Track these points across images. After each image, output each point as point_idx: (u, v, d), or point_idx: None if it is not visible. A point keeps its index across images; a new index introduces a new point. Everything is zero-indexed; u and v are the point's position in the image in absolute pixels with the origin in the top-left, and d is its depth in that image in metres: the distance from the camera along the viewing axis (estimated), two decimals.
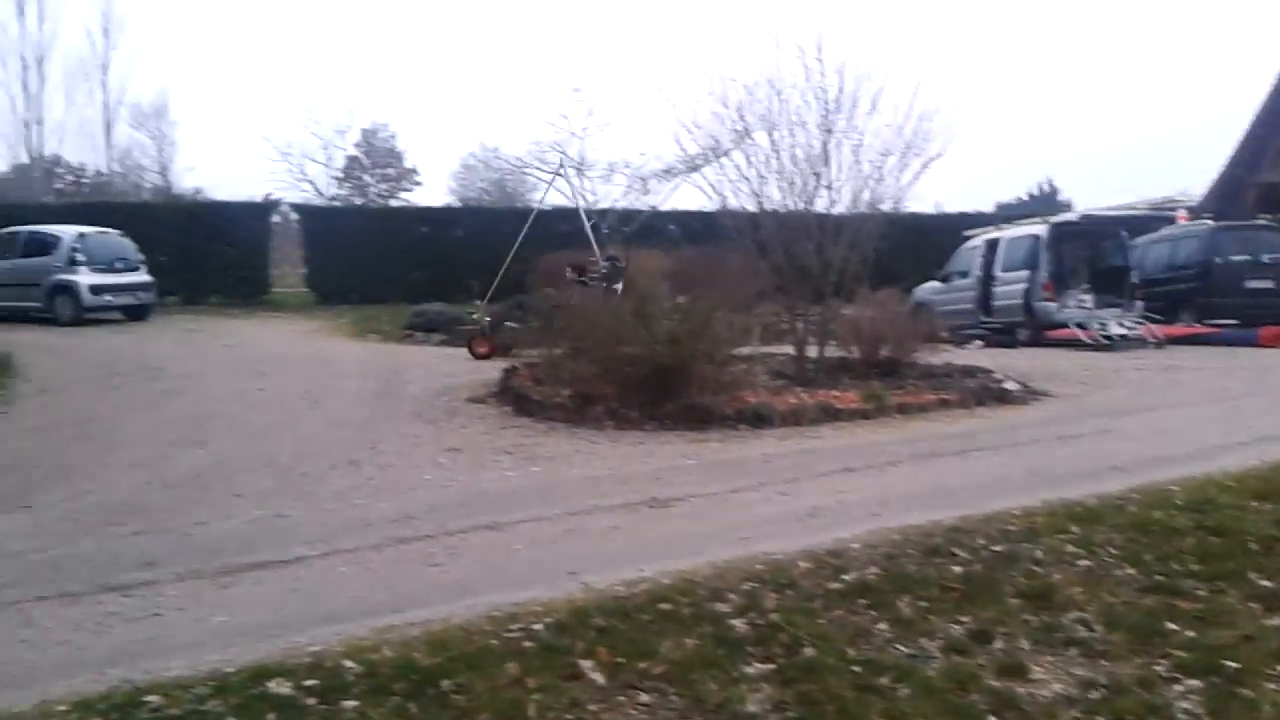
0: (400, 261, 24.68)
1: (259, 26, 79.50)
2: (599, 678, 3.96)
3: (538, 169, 23.41)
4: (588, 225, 16.70)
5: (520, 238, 15.98)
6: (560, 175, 18.65)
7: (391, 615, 4.74)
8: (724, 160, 12.99)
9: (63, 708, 3.64)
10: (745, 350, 11.46)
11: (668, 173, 21.60)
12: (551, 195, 21.83)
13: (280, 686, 3.72)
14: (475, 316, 16.81)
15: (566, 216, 24.68)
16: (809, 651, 4.26)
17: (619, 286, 15.33)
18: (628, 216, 22.32)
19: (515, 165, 25.19)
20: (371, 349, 16.23)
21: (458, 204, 42.26)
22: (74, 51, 57.49)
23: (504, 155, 44.62)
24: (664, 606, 4.73)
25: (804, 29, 16.74)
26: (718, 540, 6.10)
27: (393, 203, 49.19)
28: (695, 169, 16.31)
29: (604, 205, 22.45)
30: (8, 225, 21.23)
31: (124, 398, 11.50)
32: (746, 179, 12.31)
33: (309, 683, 3.78)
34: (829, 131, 12.15)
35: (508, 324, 16.14)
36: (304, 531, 6.30)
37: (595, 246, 16.11)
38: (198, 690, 3.73)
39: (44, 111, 41.00)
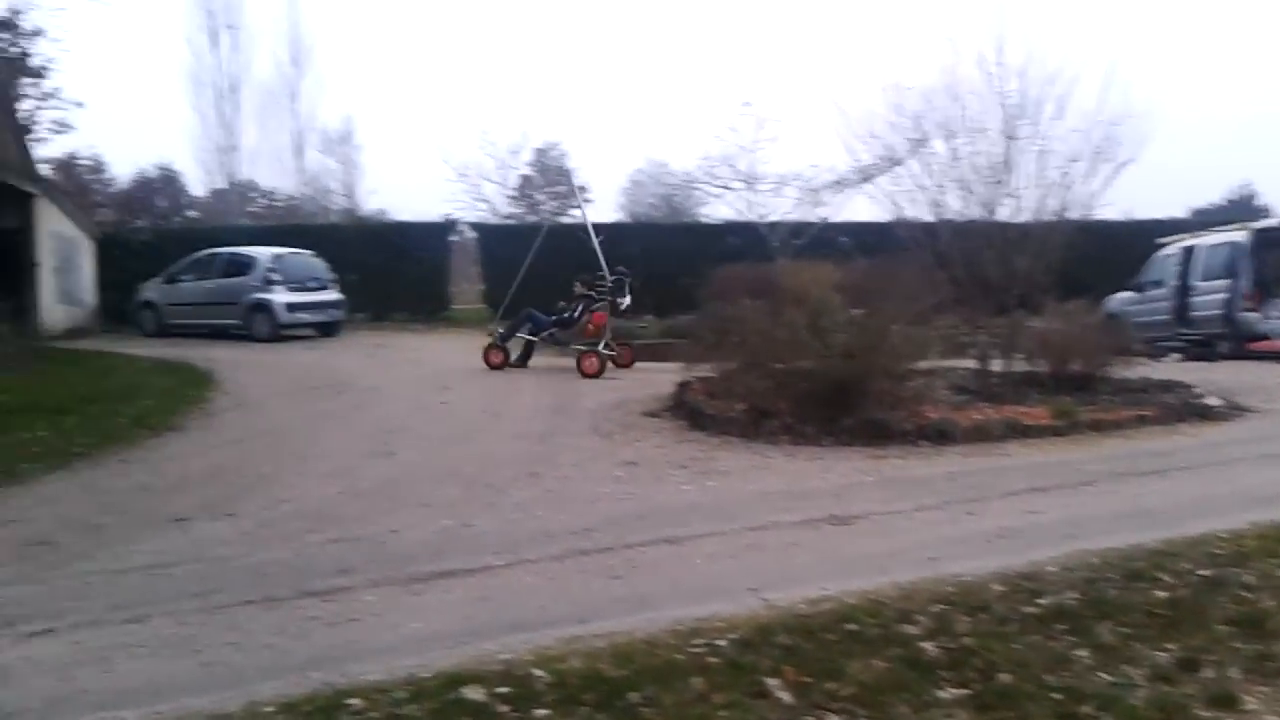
0: (568, 275, 25.09)
1: (437, 52, 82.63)
2: (786, 697, 3.89)
3: (707, 184, 23.46)
4: (594, 240, 17.35)
5: (532, 254, 17.72)
6: (728, 189, 18.65)
7: (576, 626, 4.78)
8: (899, 169, 12.73)
9: (270, 709, 3.80)
10: (924, 364, 11.14)
11: (839, 184, 21.34)
12: (721, 209, 21.82)
13: (473, 693, 3.79)
14: (490, 328, 17.45)
15: (737, 231, 24.71)
16: (1005, 677, 4.09)
17: (626, 300, 16.64)
18: (798, 229, 22.14)
19: (684, 180, 25.25)
20: (546, 363, 16.53)
21: (628, 220, 42.67)
22: (265, 80, 60.73)
23: (673, 170, 45.09)
24: (850, 627, 4.62)
25: (983, 32, 16.26)
26: (902, 560, 5.94)
27: (563, 220, 50.28)
28: (868, 179, 16.05)
29: (774, 218, 22.34)
30: (207, 247, 22.60)
31: (316, 411, 12.05)
32: (924, 188, 12.03)
33: (501, 690, 3.84)
34: (1012, 138, 11.75)
35: (519, 334, 16.66)
36: (490, 541, 6.43)
37: (602, 261, 16.93)
38: (395, 695, 3.84)
39: (239, 138, 43.50)
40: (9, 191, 19.93)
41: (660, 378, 13.99)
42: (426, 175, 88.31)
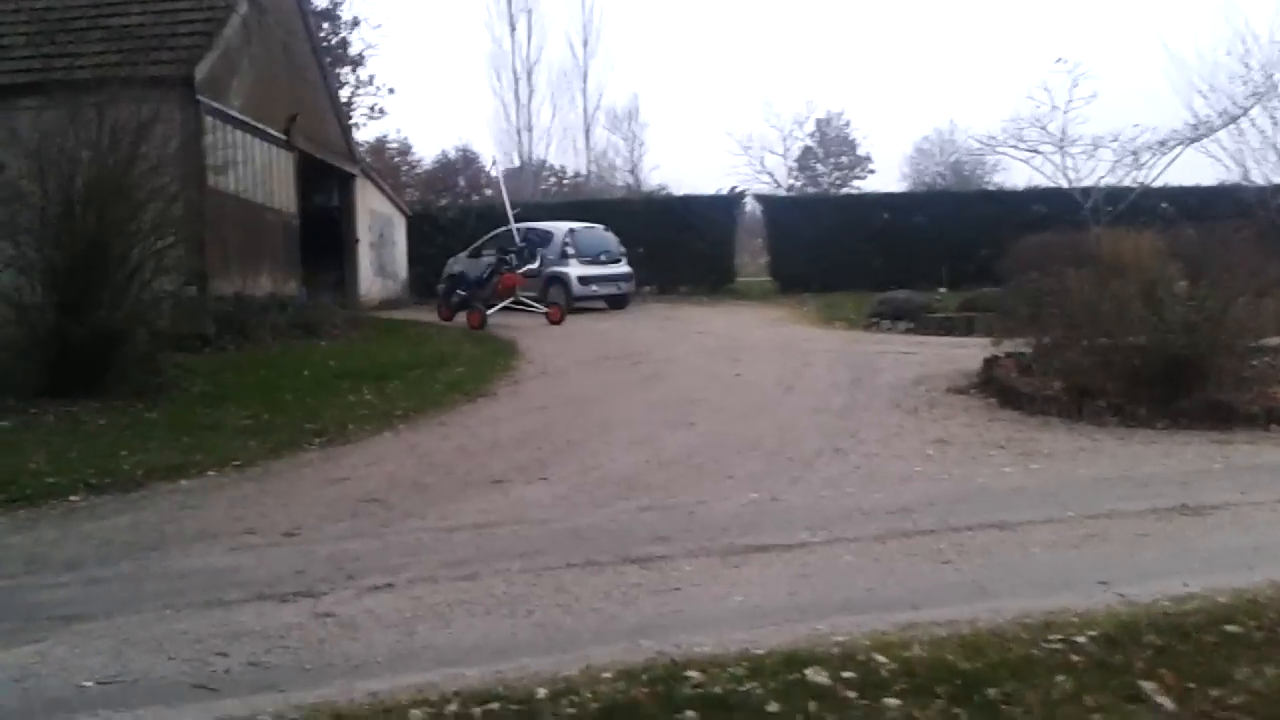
0: (861, 248, 24.49)
1: (720, 26, 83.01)
2: (1166, 702, 3.45)
3: (1013, 147, 22.15)
4: (509, 210, 20.63)
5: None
6: (1036, 153, 17.52)
7: (909, 612, 4.49)
8: (1239, 125, 11.44)
9: (608, 675, 3.75)
10: (1272, 341, 10.01)
11: (1163, 144, 19.54)
12: (1023, 175, 20.54)
13: (817, 675, 3.59)
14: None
15: (1044, 198, 23.26)
16: None
17: (535, 265, 19.51)
18: (1115, 195, 20.51)
19: (985, 144, 23.97)
20: (838, 336, 16.16)
21: (917, 189, 41.23)
22: (557, 62, 63.14)
23: (963, 136, 43.17)
24: (1230, 629, 4.08)
25: None
26: (1271, 557, 5.27)
27: (845, 191, 49.38)
28: (1199, 138, 14.58)
29: (1087, 183, 20.82)
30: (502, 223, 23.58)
31: (614, 380, 12.25)
32: (1275, 146, 10.74)
33: (845, 674, 3.62)
34: None
35: (455, 294, 19.06)
36: (802, 517, 6.23)
37: (514, 229, 20.18)
38: (733, 670, 3.70)
39: (533, 119, 45.34)
40: (333, 172, 21.56)
41: (960, 353, 13.30)
42: (708, 149, 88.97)
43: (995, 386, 10.63)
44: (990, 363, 11.42)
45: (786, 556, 5.42)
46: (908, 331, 16.49)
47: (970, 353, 12.85)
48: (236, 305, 14.61)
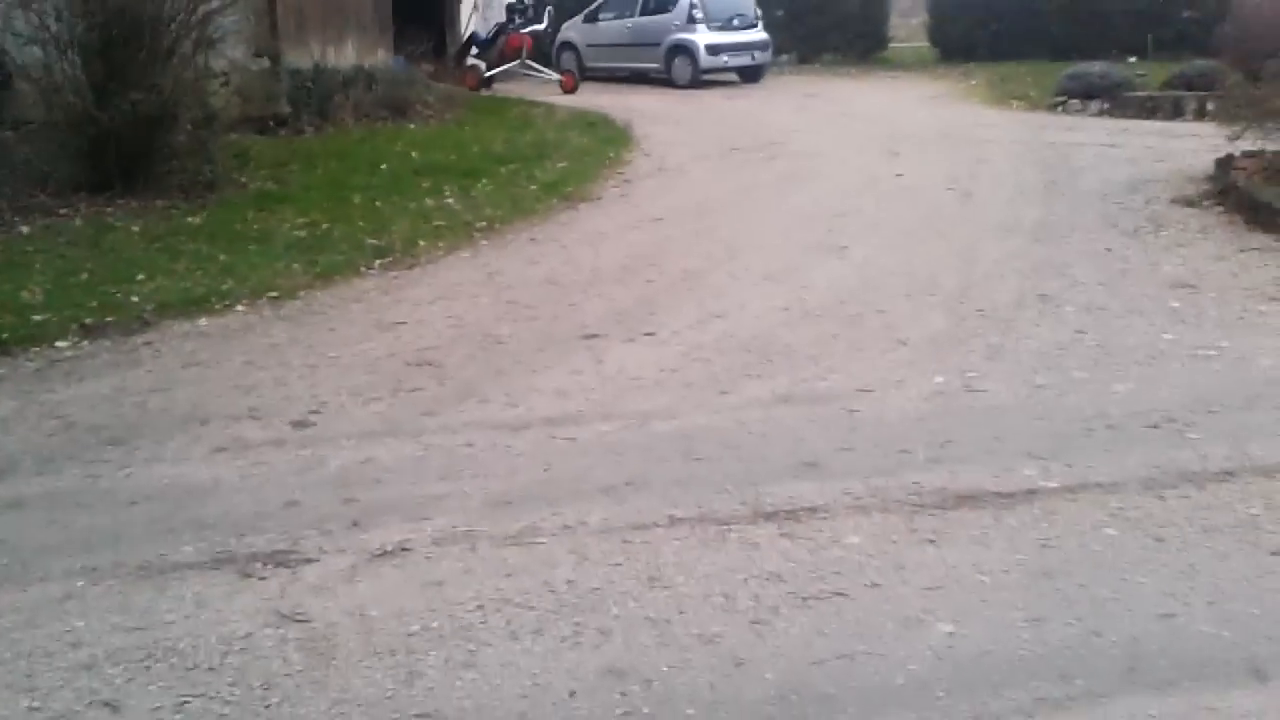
0: (1038, 8, 20.89)
1: None
2: None
3: None
4: None
5: None
6: None
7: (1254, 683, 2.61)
8: None
9: None
10: None
11: None
12: None
13: None
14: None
15: None
16: None
17: (542, 25, 18.28)
18: None
19: None
20: (1017, 120, 13.45)
21: None
22: None
23: None
24: None
25: None
26: None
27: None
28: None
29: None
30: None
31: (744, 181, 10.13)
32: None
33: None
34: None
35: (469, 56, 17.92)
36: (1017, 428, 4.28)
37: None
38: None
39: None
40: None
41: (1176, 145, 10.78)
42: None
43: (1237, 198, 8.22)
44: (1225, 164, 8.93)
45: (1010, 520, 3.52)
46: (1102, 114, 13.70)
47: (1187, 145, 10.39)
48: (315, 79, 12.73)
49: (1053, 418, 4.39)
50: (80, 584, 3.27)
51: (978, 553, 3.32)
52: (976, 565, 3.24)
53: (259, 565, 3.34)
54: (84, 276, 6.70)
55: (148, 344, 5.71)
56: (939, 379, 4.84)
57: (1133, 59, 18.29)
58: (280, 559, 3.37)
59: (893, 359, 5.17)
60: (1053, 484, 3.75)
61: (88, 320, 5.91)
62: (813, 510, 3.58)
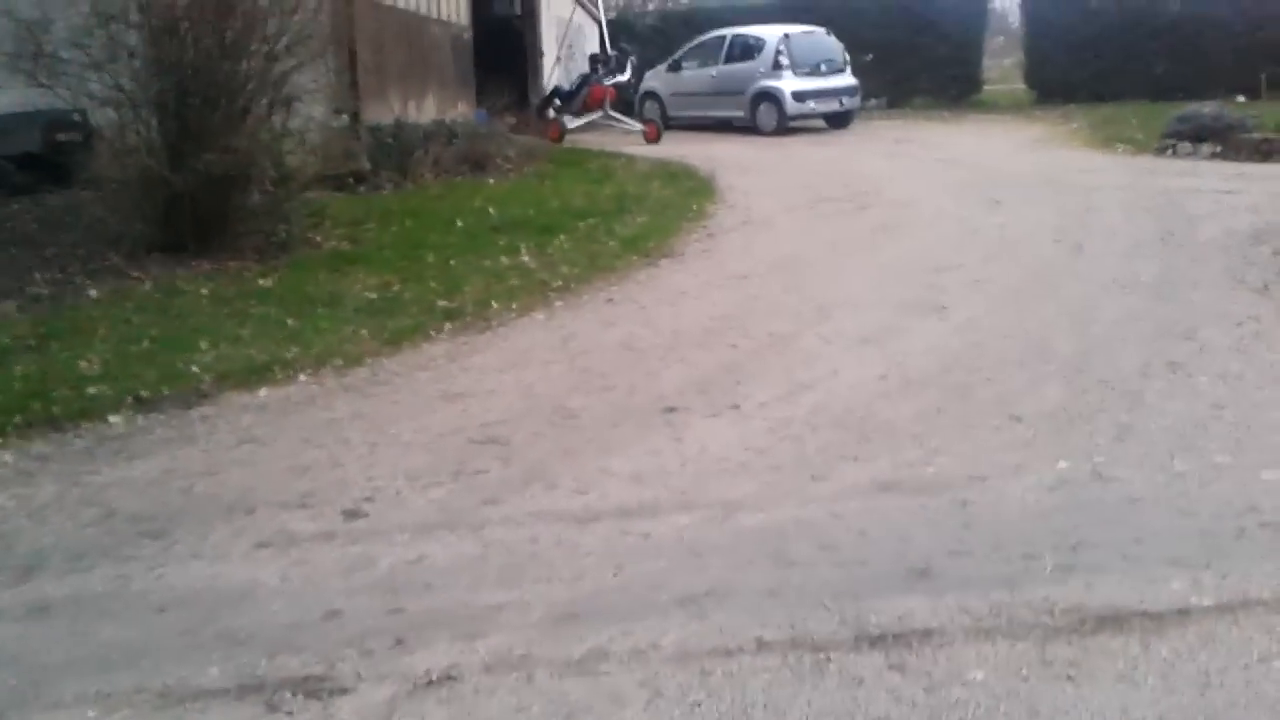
0: (1140, 48, 20.04)
1: None
2: None
3: None
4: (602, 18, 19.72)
5: None
6: None
7: None
8: None
9: None
10: None
11: None
12: None
13: None
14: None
15: None
16: None
17: (626, 75, 18.22)
18: None
19: None
20: (1124, 165, 12.74)
21: None
22: None
23: None
24: None
25: None
26: None
27: None
28: None
29: None
30: (709, 30, 20.57)
31: (834, 234, 9.65)
32: None
33: None
34: None
35: (551, 109, 17.96)
36: (1156, 527, 3.71)
37: (606, 43, 18.99)
38: None
39: None
40: None
41: None
42: None
43: None
44: None
45: (1161, 650, 2.95)
46: (1214, 157, 12.91)
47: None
48: (395, 135, 12.62)
49: (1197, 513, 3.80)
50: (92, 715, 2.90)
51: (1125, 694, 2.76)
52: (1125, 710, 2.69)
53: (288, 695, 2.93)
54: (146, 344, 6.46)
55: (204, 418, 5.41)
56: (1062, 464, 4.27)
57: (1242, 99, 17.43)
58: (312, 688, 2.96)
59: (1007, 438, 4.62)
60: (1206, 601, 3.17)
61: (144, 393, 5.63)
62: (926, 634, 3.06)
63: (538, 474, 4.51)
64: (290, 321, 6.93)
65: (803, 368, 5.79)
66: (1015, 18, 25.16)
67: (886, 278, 7.83)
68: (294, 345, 6.42)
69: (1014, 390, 5.24)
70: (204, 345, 6.41)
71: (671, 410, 5.22)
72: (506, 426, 5.11)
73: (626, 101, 18.96)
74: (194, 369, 5.99)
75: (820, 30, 19.23)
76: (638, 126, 17.83)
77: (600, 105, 17.77)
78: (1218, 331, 6.03)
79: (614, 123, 17.83)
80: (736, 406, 5.23)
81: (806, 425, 4.91)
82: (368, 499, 4.32)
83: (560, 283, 7.87)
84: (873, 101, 21.26)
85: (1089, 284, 7.32)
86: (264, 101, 9.12)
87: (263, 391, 5.77)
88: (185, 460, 4.87)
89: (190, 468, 4.77)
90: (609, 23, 24.32)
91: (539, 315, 7.21)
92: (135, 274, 8.26)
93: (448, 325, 6.89)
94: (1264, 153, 12.71)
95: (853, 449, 4.59)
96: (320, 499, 4.35)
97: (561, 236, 9.29)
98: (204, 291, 7.73)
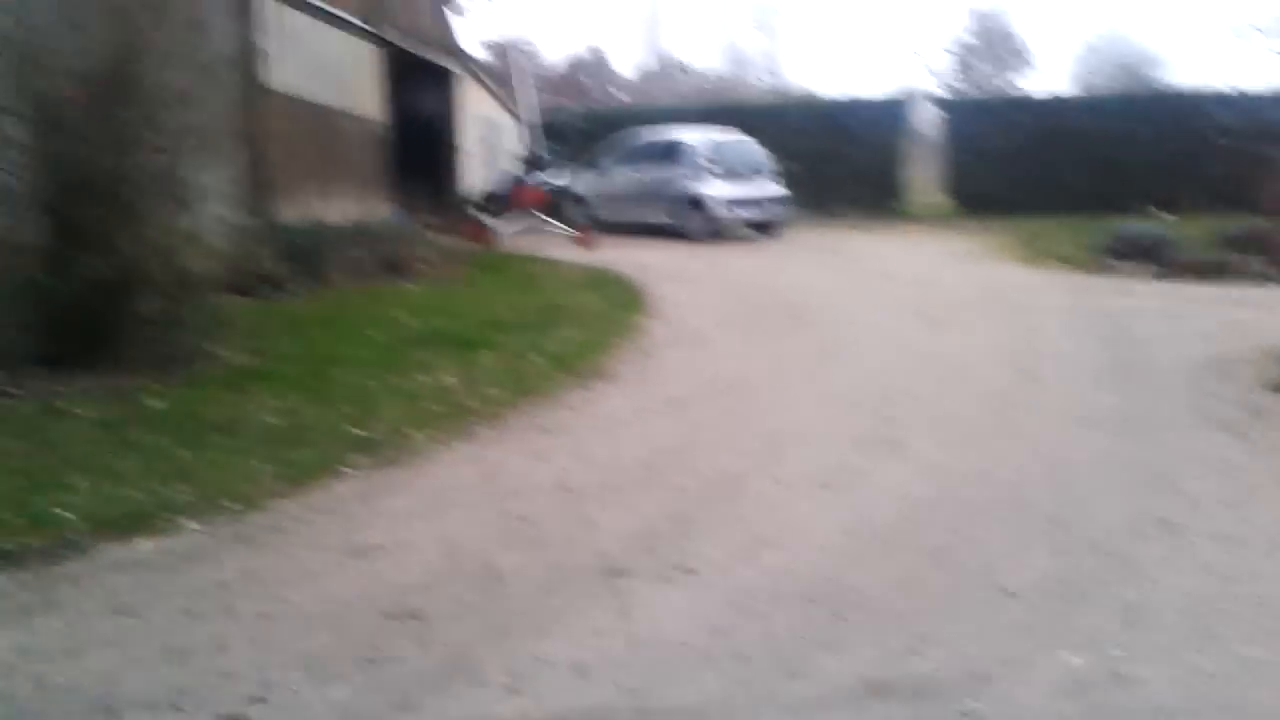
0: (1059, 162, 20.35)
1: None
2: None
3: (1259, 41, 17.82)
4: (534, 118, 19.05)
5: None
6: None
7: None
8: None
9: None
10: None
11: None
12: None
13: None
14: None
15: None
16: None
17: (561, 181, 18.08)
18: None
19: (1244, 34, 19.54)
20: (1061, 283, 12.53)
21: (1108, 92, 35.65)
22: None
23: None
24: None
25: None
26: None
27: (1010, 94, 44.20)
28: None
29: None
30: (633, 129, 20.31)
31: (773, 353, 9.17)
32: None
33: None
34: None
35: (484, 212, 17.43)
36: None
37: (539, 146, 18.61)
38: None
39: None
40: (429, 70, 18.49)
41: (1247, 316, 9.87)
42: (856, 51, 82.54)
43: None
44: None
45: None
46: (1150, 277, 12.82)
47: (1259, 316, 9.45)
48: (308, 237, 11.92)
49: None
50: None
51: None
52: None
53: None
54: (14, 480, 5.62)
55: (71, 579, 4.59)
56: (1075, 660, 3.70)
57: (1166, 214, 17.65)
58: None
59: (1004, 621, 4.04)
60: None
61: (4, 545, 4.82)
62: None
63: (462, 663, 3.81)
64: (181, 452, 6.14)
65: (759, 518, 5.20)
66: (935, 130, 25.42)
67: (836, 407, 7.33)
68: (182, 483, 5.64)
69: (997, 554, 4.69)
70: (79, 483, 5.59)
71: (617, 574, 4.56)
72: (425, 594, 4.39)
73: (555, 204, 18.41)
74: (66, 513, 5.17)
75: (747, 138, 19.04)
76: (570, 231, 17.23)
77: (529, 208, 17.31)
78: (1204, 484, 5.58)
79: (545, 227, 17.21)
80: (691, 570, 4.59)
81: (771, 597, 4.29)
82: (255, 699, 3.56)
83: (485, 407, 7.21)
84: (796, 210, 21.15)
85: (1051, 419, 6.90)
86: (159, 200, 8.38)
87: (143, 543, 4.97)
88: (43, 636, 4.06)
89: (48, 645, 3.97)
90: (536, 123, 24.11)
91: (462, 446, 6.53)
92: (12, 390, 7.39)
93: (359, 458, 6.16)
94: (1198, 273, 12.67)
95: (829, 632, 3.98)
96: (197, 699, 3.58)
97: (485, 352, 8.64)
98: (90, 414, 6.89)
